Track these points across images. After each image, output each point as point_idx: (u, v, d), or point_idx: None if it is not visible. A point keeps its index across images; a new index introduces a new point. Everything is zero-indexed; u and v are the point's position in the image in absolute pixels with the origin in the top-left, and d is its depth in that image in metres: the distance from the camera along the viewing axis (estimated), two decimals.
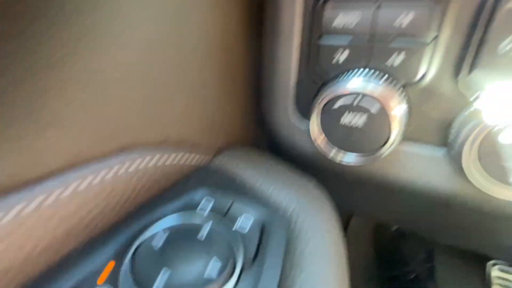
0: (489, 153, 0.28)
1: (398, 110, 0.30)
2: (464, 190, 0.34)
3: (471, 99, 0.30)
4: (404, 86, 0.32)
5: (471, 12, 0.27)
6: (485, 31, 0.27)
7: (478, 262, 0.71)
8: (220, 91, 0.36)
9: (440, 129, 0.33)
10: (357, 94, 0.31)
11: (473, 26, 0.28)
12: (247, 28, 0.38)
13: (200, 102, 0.33)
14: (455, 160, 0.31)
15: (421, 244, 0.79)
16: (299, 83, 0.36)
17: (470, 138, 0.28)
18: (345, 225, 0.79)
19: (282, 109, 0.39)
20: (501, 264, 0.68)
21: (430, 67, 0.30)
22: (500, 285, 0.68)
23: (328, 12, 0.31)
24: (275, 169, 0.38)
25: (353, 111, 0.32)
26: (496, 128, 0.27)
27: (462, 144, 0.29)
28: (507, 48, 0.27)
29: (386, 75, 0.31)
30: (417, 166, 0.35)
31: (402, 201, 0.48)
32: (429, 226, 0.54)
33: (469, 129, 0.28)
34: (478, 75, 0.29)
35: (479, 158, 0.29)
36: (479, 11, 0.27)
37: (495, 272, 0.69)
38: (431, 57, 0.30)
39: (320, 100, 0.33)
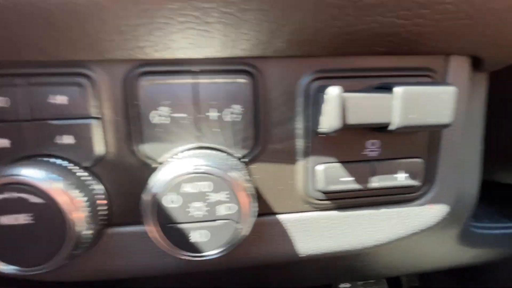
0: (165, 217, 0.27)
1: (68, 194, 0.27)
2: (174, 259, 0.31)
3: (153, 167, 0.30)
4: (84, 167, 0.30)
5: (119, 91, 0.29)
6: (136, 106, 0.29)
7: None
8: None
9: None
10: (12, 184, 0.26)
11: (125, 103, 0.29)
12: None
13: None
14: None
15: None
16: None
17: (148, 208, 0.27)
18: None
19: None
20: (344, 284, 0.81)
21: (107, 144, 0.30)
22: None
23: None
24: None
25: (14, 206, 0.26)
26: (159, 192, 0.27)
27: (146, 214, 0.28)
28: (156, 118, 0.29)
29: (56, 157, 0.29)
30: (134, 249, 0.32)
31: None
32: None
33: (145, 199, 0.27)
34: (147, 145, 0.30)
35: (161, 225, 0.28)
36: (125, 89, 0.29)
37: None
38: (104, 135, 0.30)
39: None
